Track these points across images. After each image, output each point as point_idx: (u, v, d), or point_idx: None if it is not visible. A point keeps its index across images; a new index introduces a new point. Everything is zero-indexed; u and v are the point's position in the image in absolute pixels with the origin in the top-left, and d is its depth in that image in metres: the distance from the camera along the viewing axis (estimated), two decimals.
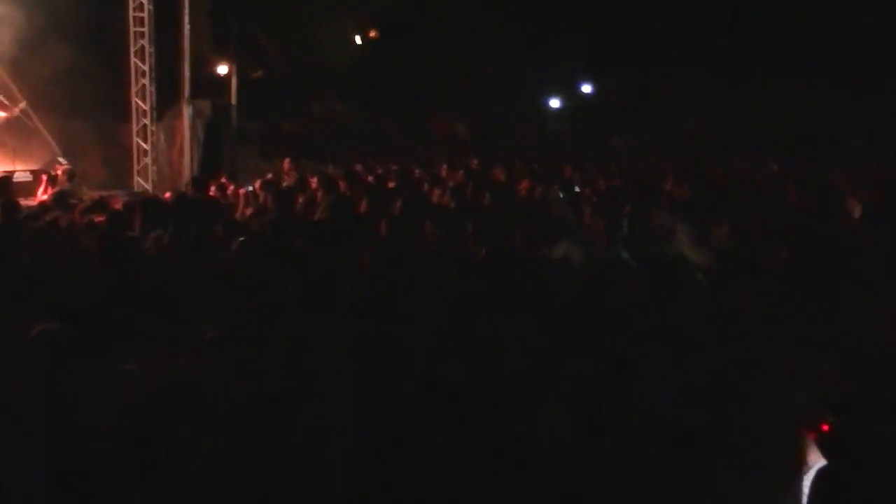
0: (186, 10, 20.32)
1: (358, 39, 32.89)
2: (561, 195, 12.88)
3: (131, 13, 19.82)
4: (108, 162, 22.36)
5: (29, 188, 16.82)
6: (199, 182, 14.54)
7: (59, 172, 16.91)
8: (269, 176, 16.72)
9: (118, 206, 11.58)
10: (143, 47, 20.05)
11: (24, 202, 14.00)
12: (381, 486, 4.14)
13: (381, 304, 6.59)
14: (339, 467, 4.19)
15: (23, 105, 18.28)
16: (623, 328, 6.04)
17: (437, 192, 13.13)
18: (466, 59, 29.78)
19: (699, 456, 4.64)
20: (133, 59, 20.07)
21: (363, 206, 11.22)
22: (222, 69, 22.96)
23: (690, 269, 8.13)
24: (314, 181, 14.80)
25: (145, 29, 19.96)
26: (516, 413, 4.68)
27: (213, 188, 14.12)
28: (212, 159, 20.70)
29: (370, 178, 15.88)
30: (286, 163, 18.86)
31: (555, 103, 33.71)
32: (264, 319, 5.84)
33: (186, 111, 20.84)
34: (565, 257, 8.70)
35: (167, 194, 13.90)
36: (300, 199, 11.93)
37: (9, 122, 18.15)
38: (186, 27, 20.42)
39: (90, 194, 15.58)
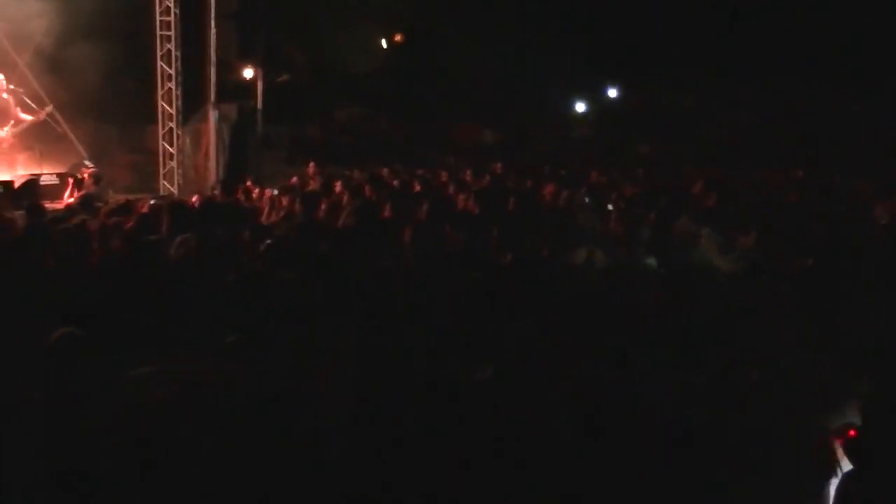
0: (212, 15, 20.38)
1: (384, 43, 32.94)
2: (587, 200, 12.84)
3: (158, 18, 19.89)
4: (133, 166, 22.47)
5: (55, 191, 16.87)
6: (225, 186, 14.57)
7: (86, 176, 16.95)
8: (294, 180, 16.74)
9: (144, 209, 11.59)
10: (169, 51, 20.12)
11: (50, 205, 14.08)
12: (381, 486, 4.13)
13: (396, 306, 6.59)
14: (339, 467, 4.19)
15: (49, 109, 18.35)
16: (627, 330, 6.05)
17: (461, 197, 13.11)
18: (490, 63, 29.76)
19: (699, 456, 4.65)
20: (159, 63, 20.14)
21: (387, 211, 11.21)
22: (248, 73, 23.02)
23: (711, 275, 8.12)
24: (338, 185, 14.81)
25: (172, 33, 20.02)
26: (516, 413, 4.67)
27: (238, 192, 14.14)
28: (237, 163, 20.72)
29: (395, 183, 15.88)
30: (311, 166, 18.88)
31: (580, 107, 33.65)
32: (279, 322, 5.84)
33: (212, 115, 20.88)
34: (588, 262, 8.70)
35: (193, 198, 13.91)
36: (325, 204, 11.92)
37: (36, 126, 18.21)
38: (212, 32, 20.48)
39: (116, 198, 15.65)
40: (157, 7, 19.84)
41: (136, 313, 6.17)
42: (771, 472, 4.66)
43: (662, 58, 28.74)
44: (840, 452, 4.61)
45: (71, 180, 17.21)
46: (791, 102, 28.45)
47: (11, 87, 17.84)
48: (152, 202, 13.12)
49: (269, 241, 8.52)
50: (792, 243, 9.05)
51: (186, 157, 21.07)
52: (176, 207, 11.20)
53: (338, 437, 4.36)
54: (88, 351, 5.17)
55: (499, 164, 19.81)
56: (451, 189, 15.09)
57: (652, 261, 9.15)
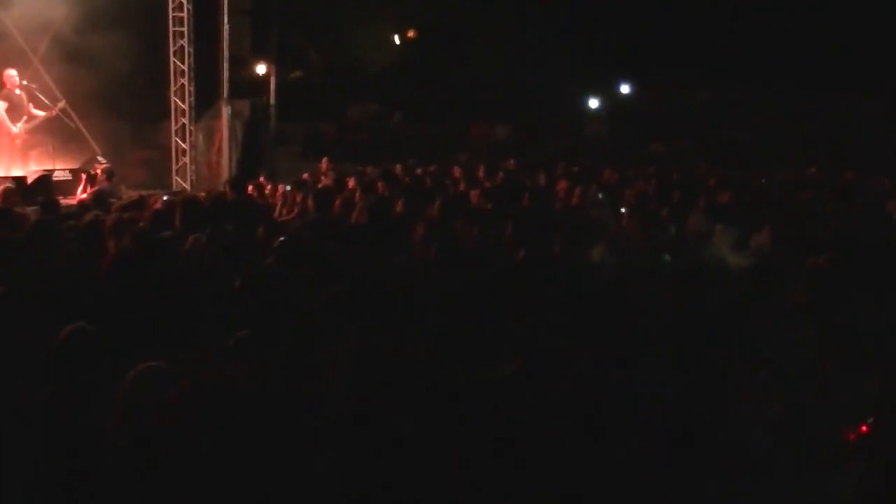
0: (225, 11, 20.39)
1: (397, 40, 32.95)
2: (600, 196, 12.82)
3: (171, 13, 19.90)
4: (146, 162, 22.48)
5: (68, 187, 16.88)
6: (238, 182, 14.58)
7: (99, 172, 16.95)
8: (306, 176, 16.76)
9: (157, 205, 11.61)
10: (182, 47, 20.12)
11: (63, 201, 14.11)
12: (381, 486, 4.12)
13: (397, 306, 6.58)
14: (339, 467, 4.18)
15: (62, 104, 18.35)
16: (636, 328, 6.04)
17: (474, 193, 13.09)
18: (503, 60, 29.75)
19: (699, 456, 4.64)
20: (172, 59, 20.14)
21: (400, 207, 11.20)
22: (261, 70, 23.05)
23: (723, 272, 8.10)
24: (351, 182, 14.81)
25: (185, 29, 20.02)
26: (516, 413, 4.66)
27: (251, 188, 14.15)
28: (250, 159, 20.76)
29: (408, 180, 15.87)
30: (324, 162, 18.90)
31: (593, 104, 33.62)
32: (284, 321, 5.83)
33: (225, 111, 20.90)
34: (602, 260, 8.67)
35: (204, 194, 13.92)
36: (338, 200, 11.91)
37: (49, 122, 18.21)
38: (226, 27, 20.49)
39: (129, 193, 15.65)
40: (171, 3, 19.86)
41: (147, 311, 6.16)
42: (772, 472, 4.66)
43: (676, 55, 28.73)
44: (852, 449, 4.60)
45: (84, 176, 17.23)
46: (804, 101, 28.40)
47: (24, 82, 17.84)
48: (165, 198, 13.14)
49: (282, 239, 8.51)
50: (805, 241, 9.01)
51: (199, 153, 21.08)
52: (189, 203, 11.21)
53: (338, 437, 4.35)
54: (99, 347, 5.17)
55: (512, 161, 19.80)
56: (464, 186, 15.08)
57: (668, 258, 9.12)
